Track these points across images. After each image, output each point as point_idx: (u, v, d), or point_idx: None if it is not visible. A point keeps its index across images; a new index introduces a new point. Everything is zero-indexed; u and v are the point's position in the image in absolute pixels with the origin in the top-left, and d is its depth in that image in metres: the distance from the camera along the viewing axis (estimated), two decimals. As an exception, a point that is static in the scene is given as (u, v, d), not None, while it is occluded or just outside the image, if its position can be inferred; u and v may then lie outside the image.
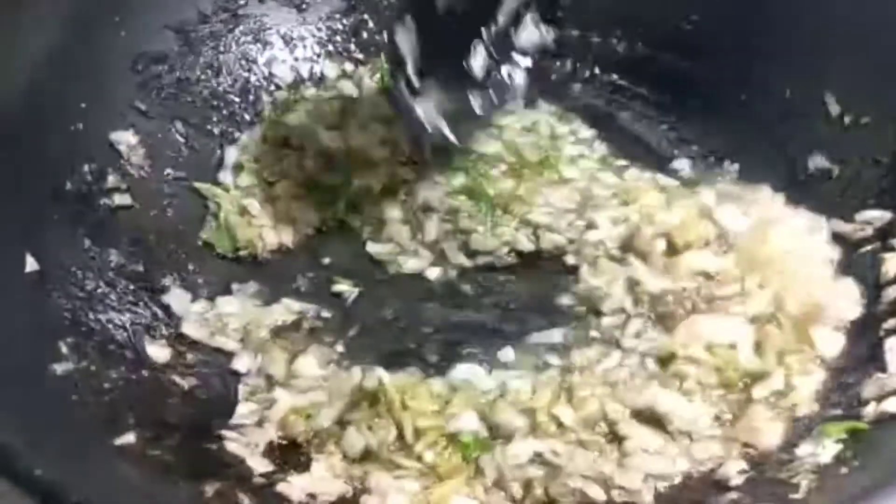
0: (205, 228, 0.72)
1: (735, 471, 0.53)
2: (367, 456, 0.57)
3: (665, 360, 0.58)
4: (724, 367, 0.57)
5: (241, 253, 0.71)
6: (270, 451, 0.58)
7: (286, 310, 0.67)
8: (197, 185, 0.74)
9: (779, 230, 0.63)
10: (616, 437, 0.56)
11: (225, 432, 0.58)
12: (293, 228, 0.72)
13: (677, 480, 0.54)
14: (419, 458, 0.55)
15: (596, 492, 0.54)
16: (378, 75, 0.81)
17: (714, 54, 0.76)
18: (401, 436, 0.56)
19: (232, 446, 0.57)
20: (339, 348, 0.65)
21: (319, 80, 0.82)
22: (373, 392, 0.58)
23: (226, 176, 0.75)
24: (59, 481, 0.40)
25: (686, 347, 0.58)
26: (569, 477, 0.54)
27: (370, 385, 0.58)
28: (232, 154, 0.76)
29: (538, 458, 0.55)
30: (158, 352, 0.63)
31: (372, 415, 0.58)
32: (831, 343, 0.58)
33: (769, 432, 0.54)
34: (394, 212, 0.72)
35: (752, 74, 0.74)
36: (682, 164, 0.75)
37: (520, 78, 0.71)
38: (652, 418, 0.56)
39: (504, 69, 0.70)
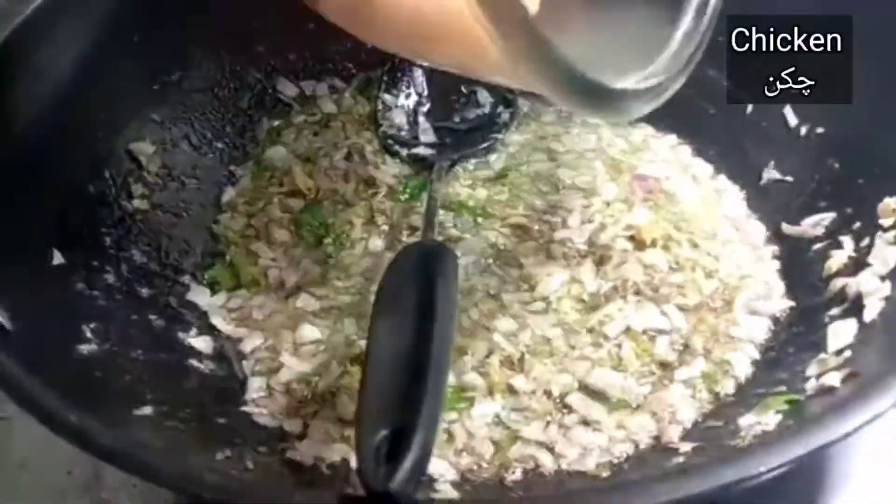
0: (213, 268, 0.77)
1: (677, 437, 0.59)
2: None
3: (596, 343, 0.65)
4: (641, 355, 0.64)
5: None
6: (279, 417, 0.64)
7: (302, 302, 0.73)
8: (213, 227, 0.79)
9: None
10: (565, 407, 0.62)
11: (238, 408, 0.65)
12: (293, 269, 0.75)
13: (620, 453, 0.60)
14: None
15: (546, 459, 0.59)
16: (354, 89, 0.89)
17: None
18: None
19: (243, 417, 0.63)
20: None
21: (306, 101, 0.88)
22: (359, 355, 0.63)
23: (225, 217, 0.80)
24: (89, 428, 0.46)
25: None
26: (525, 443, 0.60)
27: (357, 349, 0.64)
28: (230, 193, 0.82)
29: (498, 421, 0.61)
30: (198, 342, 0.69)
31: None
32: (757, 329, 0.65)
33: (683, 409, 0.61)
34: (377, 242, 0.77)
35: (719, 91, 0.80)
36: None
37: None
38: (596, 392, 0.62)
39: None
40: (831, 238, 0.68)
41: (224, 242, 0.78)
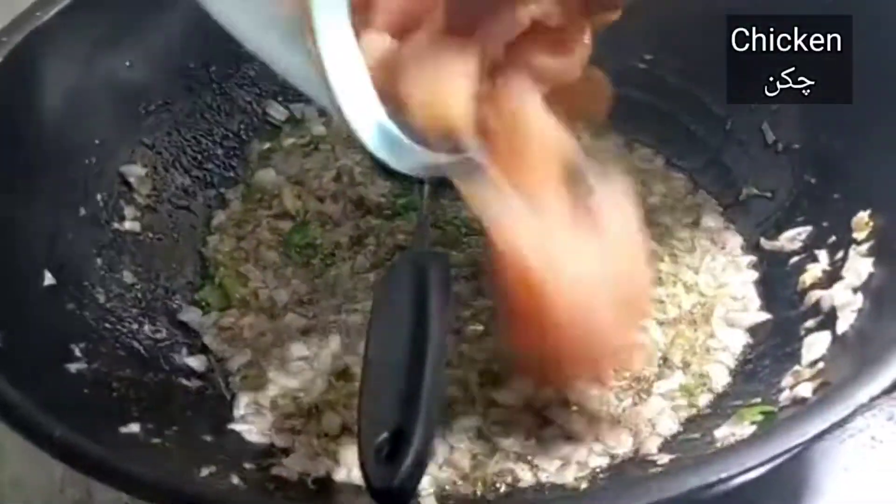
0: (203, 289, 0.78)
1: (655, 449, 0.60)
2: (343, 431, 0.64)
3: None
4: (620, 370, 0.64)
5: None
6: (267, 433, 0.65)
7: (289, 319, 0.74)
8: (203, 250, 0.81)
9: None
10: (545, 421, 0.63)
11: (226, 425, 0.66)
12: (282, 289, 0.77)
13: (598, 465, 0.61)
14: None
15: (524, 473, 0.60)
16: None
17: (665, 89, 0.84)
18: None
19: (231, 434, 0.65)
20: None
21: (296, 123, 0.90)
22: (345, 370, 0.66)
23: (214, 239, 0.82)
24: (75, 444, 0.48)
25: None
26: (505, 456, 0.61)
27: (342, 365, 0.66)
28: (220, 217, 0.83)
29: (478, 434, 0.62)
30: (188, 361, 0.71)
31: (348, 393, 0.66)
32: (734, 341, 0.66)
33: (662, 422, 0.62)
34: (364, 261, 0.78)
35: (699, 107, 0.82)
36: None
37: None
38: (577, 405, 0.63)
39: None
40: (807, 252, 0.70)
41: (214, 264, 0.80)
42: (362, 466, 0.47)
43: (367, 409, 0.50)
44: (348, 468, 0.62)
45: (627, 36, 0.85)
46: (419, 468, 0.46)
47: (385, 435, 0.46)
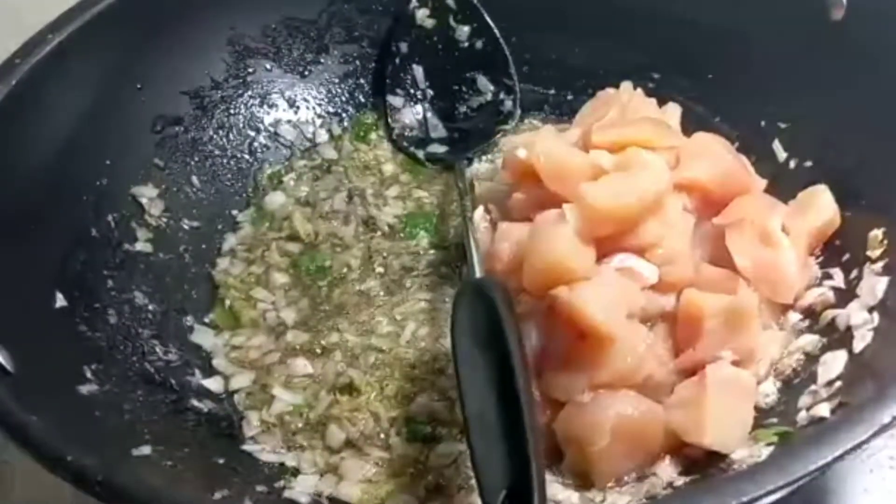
0: (214, 311, 0.78)
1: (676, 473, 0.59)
2: (346, 445, 0.65)
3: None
4: None
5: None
6: (278, 451, 0.66)
7: (294, 338, 0.75)
8: (213, 273, 0.81)
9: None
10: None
11: (238, 446, 0.66)
12: (290, 309, 0.78)
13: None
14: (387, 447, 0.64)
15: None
16: (354, 132, 0.92)
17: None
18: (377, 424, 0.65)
19: (243, 455, 0.65)
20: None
21: (307, 149, 0.90)
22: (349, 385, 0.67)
23: (224, 262, 0.82)
24: (86, 467, 0.47)
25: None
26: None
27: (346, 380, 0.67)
28: (230, 241, 0.83)
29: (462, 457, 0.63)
30: (200, 382, 0.71)
31: (352, 407, 0.67)
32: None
33: None
34: (372, 283, 0.79)
35: (710, 125, 0.81)
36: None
37: None
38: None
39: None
40: (822, 270, 0.69)
41: (224, 287, 0.80)
42: None
43: (482, 468, 0.53)
44: (352, 482, 0.63)
45: (636, 55, 0.87)
46: None
47: (504, 493, 0.50)
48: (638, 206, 0.66)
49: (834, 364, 0.60)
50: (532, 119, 0.92)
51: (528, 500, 0.49)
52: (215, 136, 0.86)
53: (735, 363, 0.63)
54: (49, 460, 0.49)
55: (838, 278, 0.67)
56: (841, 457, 0.44)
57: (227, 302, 0.78)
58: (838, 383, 0.59)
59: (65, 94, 0.74)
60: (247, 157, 0.88)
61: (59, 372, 0.63)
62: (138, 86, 0.80)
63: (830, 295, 0.66)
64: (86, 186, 0.75)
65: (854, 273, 0.66)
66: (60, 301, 0.67)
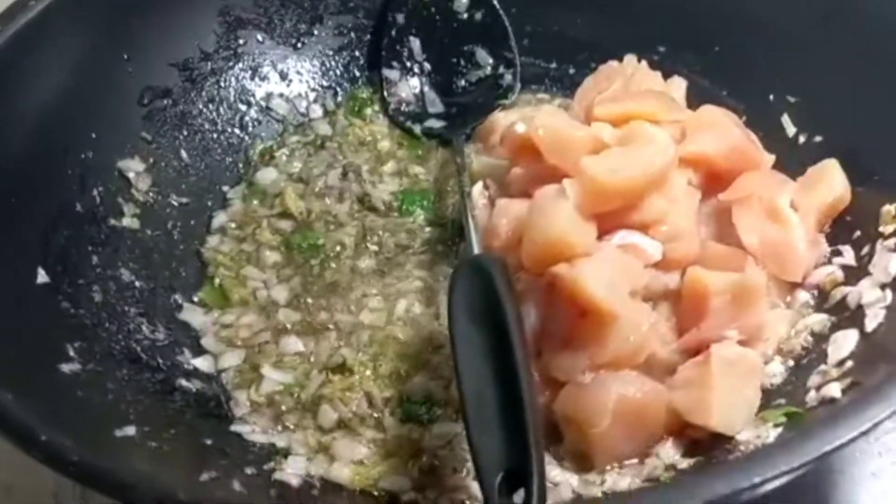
0: (203, 289, 0.76)
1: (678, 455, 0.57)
2: (338, 426, 0.63)
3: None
4: None
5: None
6: (268, 432, 0.64)
7: (286, 317, 0.73)
8: (202, 250, 0.78)
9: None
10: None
11: (227, 426, 0.64)
12: (281, 287, 0.76)
13: None
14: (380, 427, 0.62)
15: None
16: (348, 107, 0.89)
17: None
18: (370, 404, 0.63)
19: (232, 436, 0.63)
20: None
21: (301, 124, 0.88)
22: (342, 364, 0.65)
23: (214, 240, 0.80)
24: (60, 447, 0.45)
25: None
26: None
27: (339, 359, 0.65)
28: (220, 218, 0.81)
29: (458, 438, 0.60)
30: (188, 361, 0.69)
31: (345, 387, 0.64)
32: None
33: None
34: (367, 261, 0.77)
35: (717, 99, 0.79)
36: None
37: None
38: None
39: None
40: (832, 247, 0.67)
41: (213, 265, 0.77)
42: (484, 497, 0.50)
43: (480, 448, 0.51)
44: (343, 463, 0.61)
45: (641, 27, 0.84)
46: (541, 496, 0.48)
47: (502, 475, 0.49)
48: (641, 180, 0.64)
49: (845, 343, 0.58)
50: (532, 94, 0.89)
51: (527, 483, 0.48)
52: (205, 110, 0.83)
53: (741, 342, 0.61)
54: (21, 439, 0.46)
55: (848, 255, 0.65)
56: (854, 438, 0.42)
57: (217, 280, 0.76)
58: (850, 363, 0.56)
59: (48, 63, 0.71)
60: (237, 131, 0.85)
61: (39, 349, 0.60)
62: (125, 56, 0.77)
63: (840, 273, 0.64)
64: (70, 160, 0.72)
65: (865, 250, 0.64)
66: (43, 277, 0.65)
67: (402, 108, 0.88)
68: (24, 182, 0.67)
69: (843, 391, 0.53)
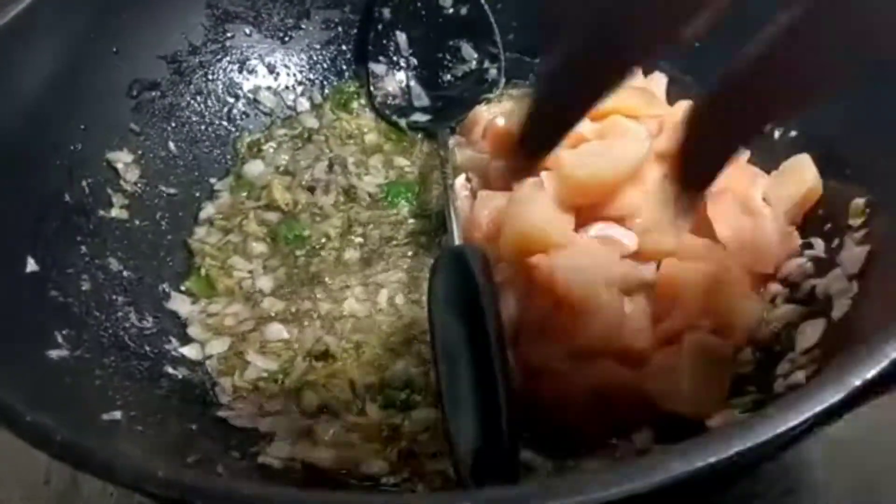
0: (190, 279, 0.77)
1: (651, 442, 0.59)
2: (320, 411, 0.65)
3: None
4: None
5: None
6: (252, 418, 0.65)
7: (271, 306, 0.74)
8: (189, 241, 0.80)
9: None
10: None
11: (212, 412, 0.65)
12: (267, 277, 0.77)
13: None
14: (362, 413, 0.63)
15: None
16: (335, 100, 0.91)
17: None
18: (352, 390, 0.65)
19: (216, 421, 0.64)
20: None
21: (288, 118, 0.89)
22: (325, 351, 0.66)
23: (201, 231, 0.81)
24: (44, 426, 0.46)
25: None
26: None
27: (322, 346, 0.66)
28: (208, 210, 0.82)
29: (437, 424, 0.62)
30: (174, 349, 0.70)
31: (328, 374, 0.66)
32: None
33: None
34: (352, 253, 0.78)
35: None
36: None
37: None
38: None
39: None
40: (804, 239, 0.68)
41: (200, 255, 0.79)
42: (458, 480, 0.53)
43: (455, 430, 0.53)
44: (325, 446, 0.63)
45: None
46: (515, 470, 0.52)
47: (475, 455, 0.51)
48: (615, 174, 0.65)
49: (812, 332, 0.60)
50: (517, 88, 0.91)
51: (502, 467, 0.49)
52: (193, 102, 0.85)
53: (714, 332, 0.63)
54: (7, 419, 0.47)
55: (819, 248, 0.66)
56: (813, 421, 0.44)
57: (204, 270, 0.78)
58: (816, 351, 0.58)
59: (37, 56, 0.73)
60: (225, 124, 0.87)
61: (28, 336, 0.61)
62: (114, 49, 0.79)
63: (811, 265, 0.66)
64: (59, 151, 0.73)
65: (835, 242, 0.65)
66: (32, 266, 0.66)
67: (389, 102, 0.90)
68: (13, 173, 0.68)
69: (808, 378, 0.55)
